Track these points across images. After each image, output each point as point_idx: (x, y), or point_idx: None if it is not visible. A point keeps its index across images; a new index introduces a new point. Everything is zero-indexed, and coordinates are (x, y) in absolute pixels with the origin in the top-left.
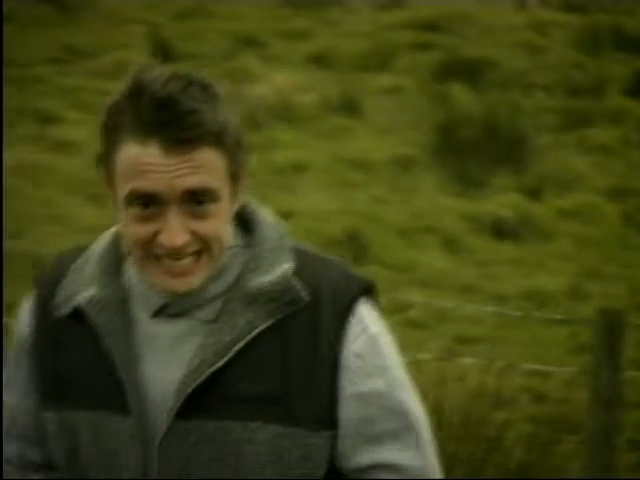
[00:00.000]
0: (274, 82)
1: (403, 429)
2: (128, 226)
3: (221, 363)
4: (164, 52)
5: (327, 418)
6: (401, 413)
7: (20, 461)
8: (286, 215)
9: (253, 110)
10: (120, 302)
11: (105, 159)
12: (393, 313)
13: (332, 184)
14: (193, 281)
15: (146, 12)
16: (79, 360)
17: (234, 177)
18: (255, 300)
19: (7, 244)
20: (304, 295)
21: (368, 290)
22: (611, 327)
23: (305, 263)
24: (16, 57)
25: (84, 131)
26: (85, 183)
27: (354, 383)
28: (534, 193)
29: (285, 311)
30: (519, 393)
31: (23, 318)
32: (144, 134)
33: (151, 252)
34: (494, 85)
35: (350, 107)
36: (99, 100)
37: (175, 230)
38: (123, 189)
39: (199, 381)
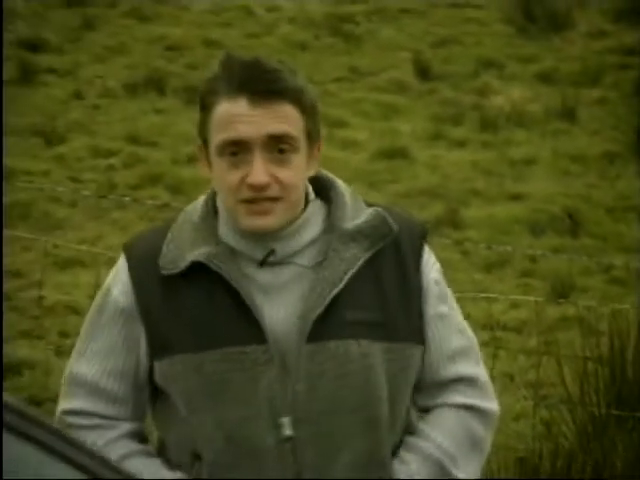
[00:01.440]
0: (510, 95)
1: (468, 347)
2: (220, 176)
3: (336, 291)
4: (424, 72)
5: (418, 335)
6: (463, 334)
7: (88, 415)
8: (519, 197)
9: (494, 118)
10: (231, 256)
11: (202, 125)
12: (599, 273)
13: (554, 173)
14: (272, 221)
15: (412, 41)
16: (206, 306)
17: (310, 135)
18: (354, 238)
19: None
20: (395, 227)
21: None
22: None
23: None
24: (312, 77)
25: (365, 133)
26: (366, 173)
27: (434, 306)
28: None
29: (379, 245)
30: None
31: (118, 283)
32: (235, 91)
33: (240, 196)
34: None
35: (568, 114)
36: (377, 109)
37: (259, 170)
38: (216, 140)
39: (321, 309)
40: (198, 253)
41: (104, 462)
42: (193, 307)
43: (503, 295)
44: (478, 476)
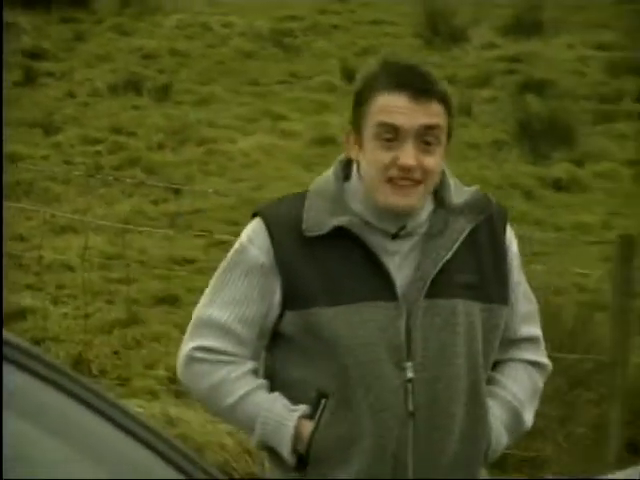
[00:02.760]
0: None
1: (535, 311)
2: (373, 156)
3: (448, 257)
4: (349, 76)
5: (505, 298)
6: (531, 299)
7: (219, 352)
8: None
9: None
10: (366, 226)
11: (357, 112)
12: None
13: (454, 158)
14: (411, 201)
15: (340, 51)
16: (345, 266)
17: (449, 133)
18: (462, 211)
19: None
20: (493, 202)
21: None
22: (626, 246)
23: None
24: (259, 80)
25: (302, 125)
26: (303, 157)
27: (515, 274)
28: (579, 162)
29: (481, 217)
30: (570, 285)
31: (256, 241)
32: (396, 87)
33: (388, 174)
34: (554, 96)
35: (465, 110)
36: (311, 106)
37: (411, 154)
38: (373, 122)
39: (436, 270)
40: (340, 219)
41: (95, 391)
42: (332, 266)
43: None
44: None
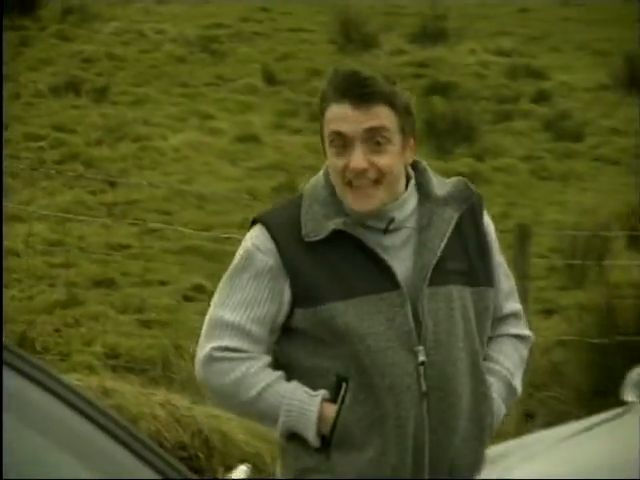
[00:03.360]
0: None
1: (514, 288)
2: (331, 162)
3: (443, 245)
4: (270, 79)
5: (491, 280)
6: (510, 277)
7: (237, 351)
8: None
9: None
10: (359, 225)
11: (320, 124)
12: None
13: None
14: (374, 203)
15: (261, 56)
16: (348, 265)
17: (403, 131)
18: (447, 202)
19: None
20: (475, 190)
21: None
22: (523, 233)
23: None
24: (189, 82)
25: (227, 123)
26: (228, 153)
27: (495, 256)
28: (480, 157)
29: (465, 205)
30: None
31: (262, 247)
32: (341, 96)
33: (345, 178)
34: (457, 98)
35: None
36: (236, 106)
37: (359, 158)
38: (327, 132)
39: (436, 259)
40: (336, 222)
41: (38, 366)
42: (335, 265)
43: None
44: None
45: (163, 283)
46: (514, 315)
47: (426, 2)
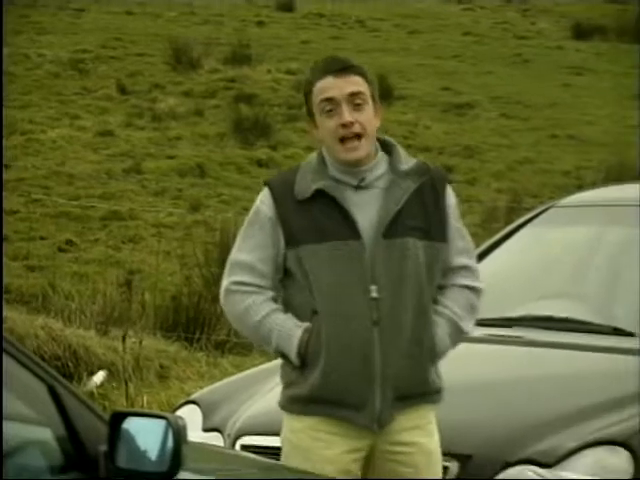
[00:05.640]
0: (168, 103)
1: (469, 247)
2: (324, 127)
3: (398, 207)
4: (122, 89)
5: (444, 237)
6: (465, 238)
7: (248, 285)
8: (173, 157)
9: (162, 114)
10: (337, 185)
11: (308, 104)
12: None
13: (194, 143)
14: (359, 154)
15: (115, 73)
16: (322, 217)
17: (373, 98)
18: (407, 175)
19: None
20: (431, 168)
21: None
22: None
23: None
24: (61, 91)
25: (90, 122)
26: (91, 144)
27: (452, 219)
28: (274, 148)
29: (422, 179)
30: None
31: (265, 203)
32: (325, 73)
33: (337, 135)
34: (258, 104)
35: (197, 113)
36: (97, 109)
37: (347, 114)
38: (317, 102)
39: (390, 217)
40: (318, 184)
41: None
42: (315, 217)
43: None
44: (473, 329)
45: (43, 238)
46: (465, 268)
47: (235, 35)
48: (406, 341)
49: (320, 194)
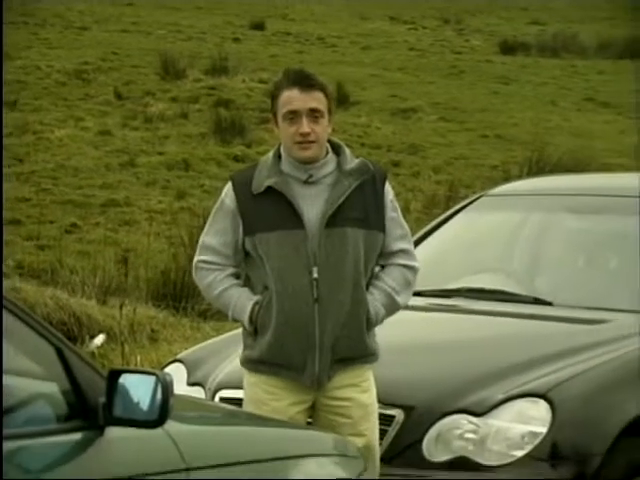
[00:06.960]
0: (158, 107)
1: (406, 234)
2: (285, 131)
3: (340, 201)
4: (119, 96)
5: (382, 227)
6: (403, 227)
7: (211, 263)
8: (162, 154)
9: (152, 116)
10: (287, 180)
11: (273, 105)
12: None
13: (180, 141)
14: (310, 153)
15: (113, 82)
16: (273, 209)
17: (330, 111)
18: (350, 174)
19: None
20: (372, 168)
21: None
22: None
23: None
24: (67, 97)
25: (92, 124)
26: (94, 143)
27: (390, 212)
28: (249, 146)
29: (363, 178)
30: None
31: (228, 196)
32: (292, 85)
33: (295, 140)
34: (235, 108)
35: (183, 115)
36: (98, 113)
37: (305, 126)
38: (282, 110)
39: (332, 210)
40: (269, 181)
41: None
42: (267, 209)
43: None
44: (408, 302)
45: (51, 222)
46: (403, 251)
47: (215, 49)
48: (343, 315)
49: (272, 190)
